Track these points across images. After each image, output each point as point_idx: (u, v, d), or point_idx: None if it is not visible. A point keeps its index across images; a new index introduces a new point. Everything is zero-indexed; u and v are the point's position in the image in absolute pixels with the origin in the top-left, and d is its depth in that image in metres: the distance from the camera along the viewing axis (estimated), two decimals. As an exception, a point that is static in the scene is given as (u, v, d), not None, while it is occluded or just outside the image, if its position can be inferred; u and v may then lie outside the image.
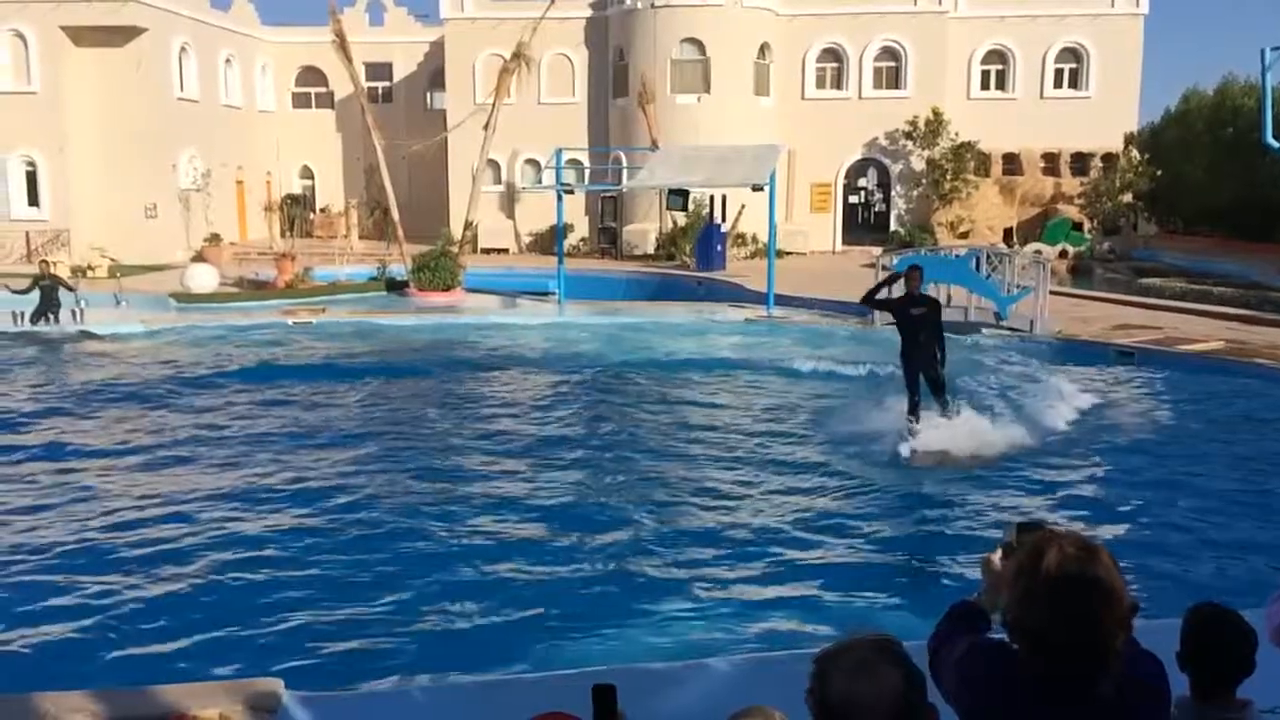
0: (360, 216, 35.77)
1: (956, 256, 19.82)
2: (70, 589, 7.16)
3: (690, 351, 17.17)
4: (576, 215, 32.80)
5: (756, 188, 20.83)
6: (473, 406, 13.51)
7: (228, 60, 35.39)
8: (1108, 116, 33.01)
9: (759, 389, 14.39)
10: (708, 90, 31.63)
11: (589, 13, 33.73)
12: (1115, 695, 2.00)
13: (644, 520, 8.57)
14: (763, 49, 32.38)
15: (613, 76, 33.47)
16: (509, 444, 11.32)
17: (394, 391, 14.33)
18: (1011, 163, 34.13)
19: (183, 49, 32.44)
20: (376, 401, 13.72)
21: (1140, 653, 2.12)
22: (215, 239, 31.03)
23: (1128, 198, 32.78)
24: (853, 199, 35.50)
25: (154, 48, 30.88)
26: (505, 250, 33.93)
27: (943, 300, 18.87)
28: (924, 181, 33.35)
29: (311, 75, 38.71)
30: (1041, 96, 33.89)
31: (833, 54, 33.58)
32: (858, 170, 35.09)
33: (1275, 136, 20.37)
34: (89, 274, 25.56)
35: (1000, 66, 34.17)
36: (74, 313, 19.41)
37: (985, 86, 34.25)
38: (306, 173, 39.45)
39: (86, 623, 6.63)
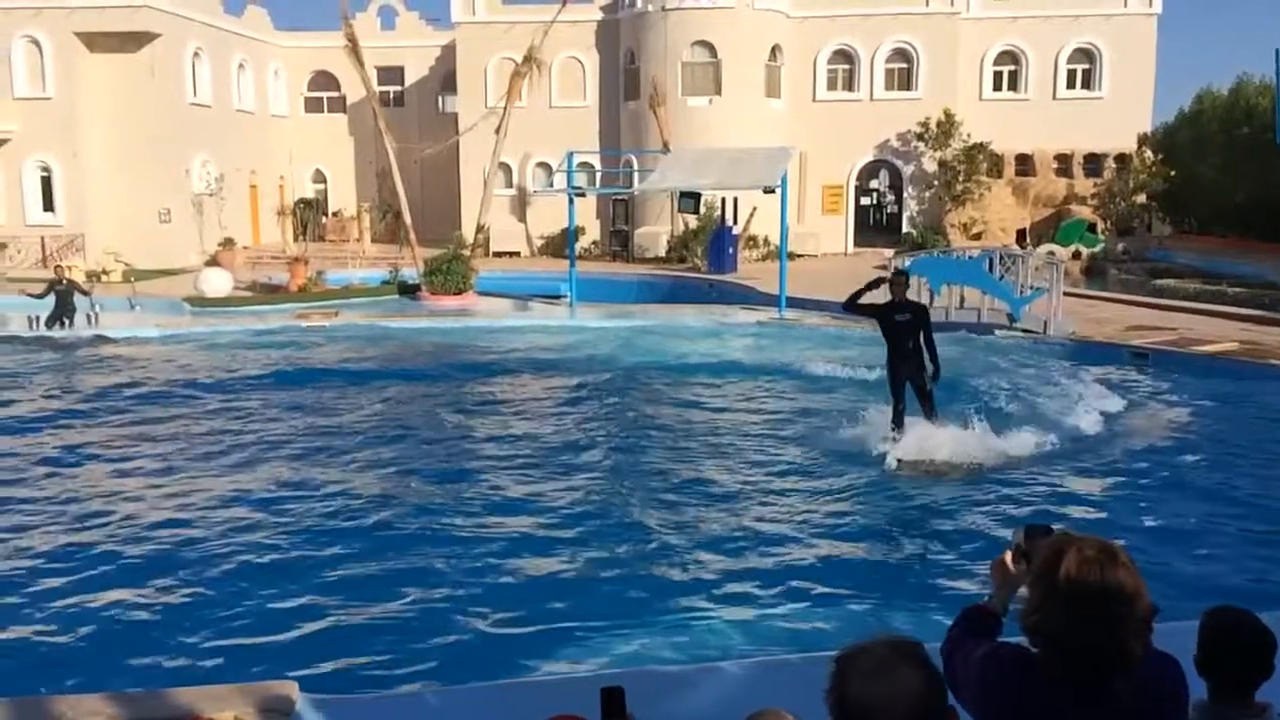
0: (372, 220, 35.92)
1: (970, 258, 19.77)
2: (85, 592, 7.19)
3: (702, 354, 17.15)
4: (588, 218, 32.83)
5: (768, 190, 20.81)
6: (485, 410, 13.52)
7: (241, 65, 35.56)
8: (1121, 117, 32.89)
9: (772, 393, 14.36)
10: (719, 92, 31.63)
11: (600, 16, 33.78)
12: (1133, 698, 1.99)
13: (656, 524, 8.56)
14: (774, 51, 32.37)
15: (624, 79, 33.51)
16: (520, 447, 11.32)
17: (407, 395, 14.36)
18: (1024, 164, 34.04)
19: (196, 54, 32.62)
20: (390, 405, 13.75)
21: (1158, 655, 2.11)
22: (229, 243, 31.17)
23: (1141, 198, 32.66)
24: (864, 201, 35.44)
25: (167, 53, 31.08)
26: (517, 253, 33.99)
27: (955, 302, 18.91)
28: (936, 183, 33.28)
29: (324, 80, 38.89)
30: (1054, 97, 33.79)
31: (844, 56, 33.55)
32: (869, 172, 35.03)
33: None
34: (103, 278, 25.72)
35: (1012, 67, 34.08)
36: (89, 317, 19.54)
37: (998, 87, 34.17)
38: (319, 177, 39.61)
39: (102, 626, 6.66)
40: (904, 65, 33.41)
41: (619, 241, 33.18)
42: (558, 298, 24.25)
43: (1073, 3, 33.34)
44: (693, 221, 29.11)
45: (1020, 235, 32.31)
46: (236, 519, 8.77)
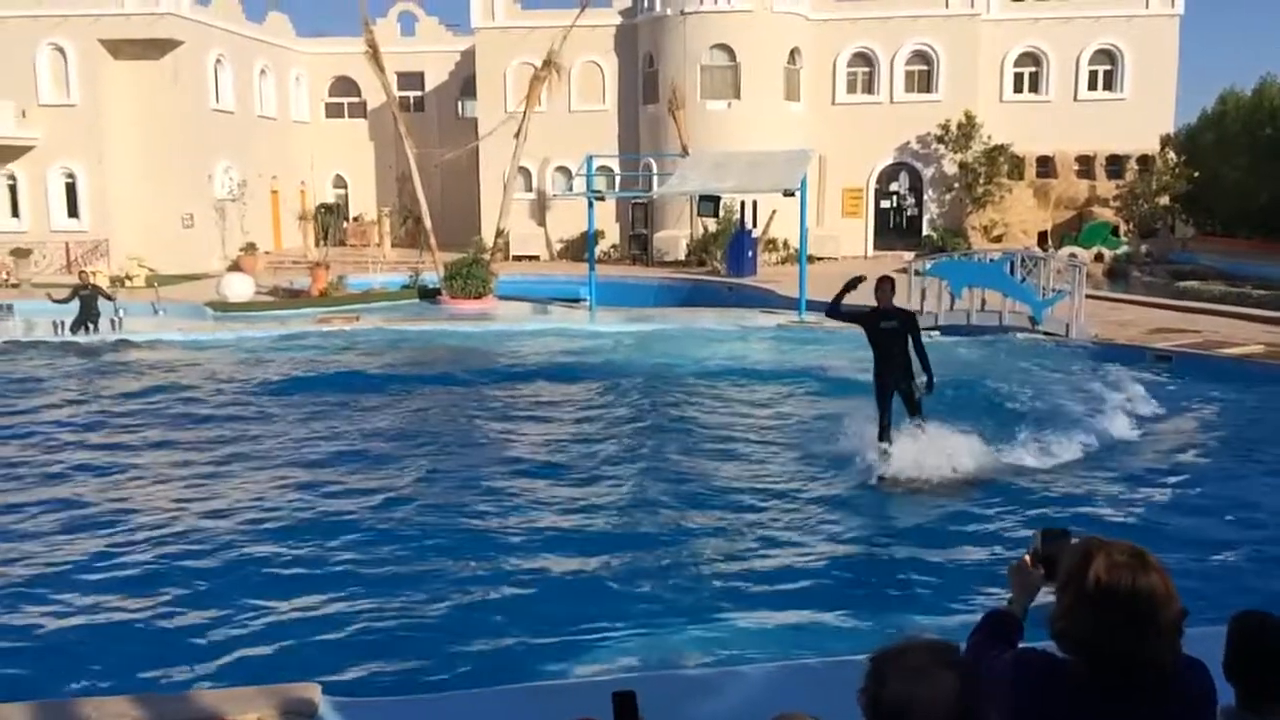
0: (393, 225, 36.06)
1: (991, 261, 19.65)
2: (110, 594, 7.25)
3: (722, 358, 17.13)
4: (607, 222, 32.86)
5: (788, 193, 20.76)
6: (504, 413, 13.54)
7: (262, 71, 35.80)
8: (1143, 118, 32.62)
9: (793, 397, 14.33)
10: (738, 96, 31.60)
11: (619, 20, 33.82)
12: (1162, 703, 1.97)
13: (675, 529, 8.56)
14: (793, 54, 32.31)
15: (643, 83, 33.53)
16: (539, 451, 11.34)
17: (427, 399, 14.41)
18: (1045, 165, 33.81)
19: (218, 61, 32.87)
20: (410, 409, 13.79)
21: (1187, 660, 2.09)
22: (250, 248, 31.37)
23: (1164, 200, 32.39)
24: (884, 203, 35.30)
25: (190, 60, 31.33)
26: (536, 257, 34.05)
27: (976, 305, 18.80)
28: (956, 185, 33.12)
29: (345, 85, 39.10)
30: (1075, 99, 33.55)
31: (863, 58, 33.45)
32: (889, 175, 34.89)
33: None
34: (127, 284, 25.96)
35: (1033, 69, 33.88)
36: (113, 322, 19.71)
37: (1018, 89, 33.97)
38: (340, 182, 39.81)
39: (127, 628, 6.71)
40: (924, 67, 33.28)
41: (638, 245, 33.20)
42: (577, 301, 24.28)
43: (1094, 4, 33.11)
44: (712, 225, 29.09)
45: (1042, 238, 32.09)
46: (259, 522, 8.82)
